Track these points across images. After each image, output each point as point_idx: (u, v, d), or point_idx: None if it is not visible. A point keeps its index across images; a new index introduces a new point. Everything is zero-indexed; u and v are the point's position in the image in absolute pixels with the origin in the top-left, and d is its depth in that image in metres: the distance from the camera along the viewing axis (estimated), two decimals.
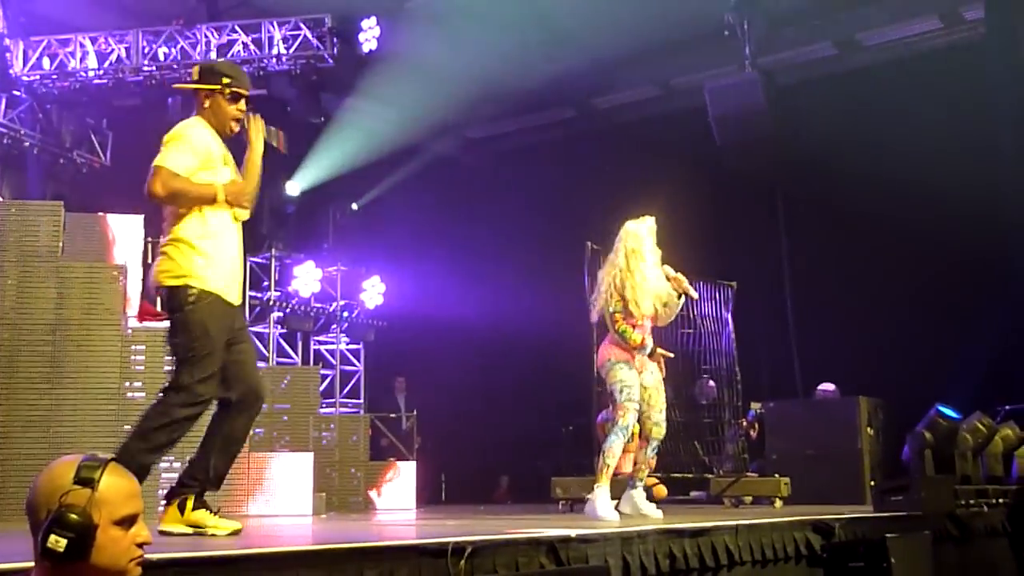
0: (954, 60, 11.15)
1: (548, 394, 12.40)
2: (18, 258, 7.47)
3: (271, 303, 12.14)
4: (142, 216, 8.87)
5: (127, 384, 7.50)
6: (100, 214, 8.69)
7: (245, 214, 4.36)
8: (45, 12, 11.04)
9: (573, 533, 3.59)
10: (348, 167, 12.35)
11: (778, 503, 8.01)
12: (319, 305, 12.47)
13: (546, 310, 11.90)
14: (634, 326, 5.87)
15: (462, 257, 13.83)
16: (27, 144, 10.77)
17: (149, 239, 9.36)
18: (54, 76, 10.88)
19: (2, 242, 7.47)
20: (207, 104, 4.32)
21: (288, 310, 12.10)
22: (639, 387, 5.85)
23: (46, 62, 10.87)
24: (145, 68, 10.93)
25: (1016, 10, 9.75)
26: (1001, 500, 7.02)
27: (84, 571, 1.90)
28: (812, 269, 11.67)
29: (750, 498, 8.29)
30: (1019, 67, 9.60)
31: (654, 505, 6.02)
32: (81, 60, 10.92)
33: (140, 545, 1.98)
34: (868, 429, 8.99)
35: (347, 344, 12.96)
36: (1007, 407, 8.43)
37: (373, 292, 13.23)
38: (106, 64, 10.95)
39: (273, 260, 12.24)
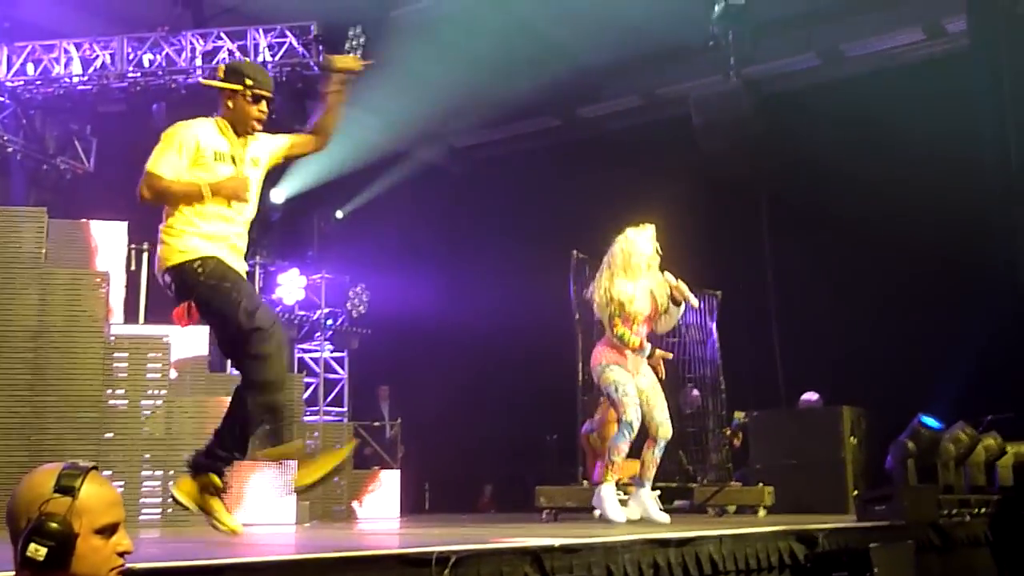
0: (937, 71, 11.23)
1: (533, 403, 12.38)
2: (0, 264, 7.42)
3: None
4: (126, 223, 8.84)
5: (109, 391, 7.46)
6: (83, 220, 8.65)
7: (244, 207, 4.40)
8: (29, 18, 10.99)
9: (557, 542, 3.58)
10: (333, 175, 12.33)
11: (762, 512, 8.02)
12: (303, 313, 12.44)
13: (531, 319, 11.90)
14: (631, 329, 5.90)
15: (447, 265, 13.82)
16: (10, 150, 10.71)
17: (133, 246, 9.33)
18: (38, 82, 10.83)
19: None
20: (230, 104, 4.39)
21: None
22: (633, 385, 5.89)
23: (30, 68, 10.83)
24: (130, 75, 10.89)
25: (999, 23, 9.81)
26: (983, 510, 7.05)
27: None
28: (796, 278, 11.70)
29: (734, 507, 8.30)
30: (1001, 79, 9.66)
31: (659, 508, 6.06)
32: (65, 66, 10.87)
33: (121, 554, 1.97)
34: (851, 438, 9.02)
35: (331, 352, 12.93)
36: (989, 417, 8.46)
37: (358, 300, 13.20)
38: (90, 70, 10.90)
39: (257, 268, 12.20)
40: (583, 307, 8.54)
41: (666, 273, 6.13)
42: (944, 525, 6.34)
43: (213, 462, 4.22)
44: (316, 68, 11.00)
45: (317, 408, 12.31)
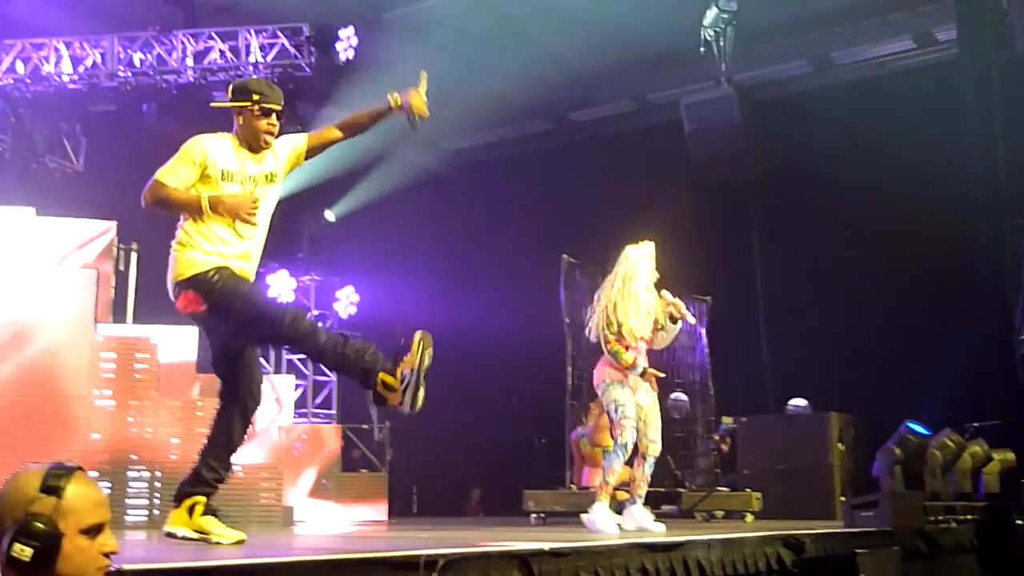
0: (927, 80, 11.29)
1: (521, 407, 12.38)
2: None
3: None
4: (114, 223, 8.82)
5: (97, 392, 7.43)
6: (72, 219, 8.62)
7: (252, 230, 4.38)
8: (19, 16, 10.95)
9: (546, 547, 3.58)
10: (323, 177, 12.31)
11: (749, 518, 8.03)
12: None
13: (521, 323, 11.91)
14: (627, 347, 5.95)
15: (436, 268, 13.82)
16: None
17: (122, 246, 9.31)
18: (28, 80, 10.79)
19: None
20: (240, 121, 4.45)
21: None
22: (633, 405, 5.96)
23: (20, 66, 10.78)
24: (120, 74, 10.85)
25: (987, 32, 9.86)
26: (969, 517, 7.06)
27: None
28: (785, 285, 11.74)
29: (722, 512, 8.31)
30: (990, 88, 9.71)
31: (653, 519, 6.11)
32: (56, 65, 10.82)
33: (107, 555, 1.96)
34: (839, 445, 9.05)
35: None
36: (975, 424, 8.49)
37: (346, 302, 13.19)
38: (81, 69, 10.86)
39: None
40: (572, 311, 8.56)
41: (663, 291, 6.20)
42: (930, 532, 6.35)
43: (197, 487, 4.27)
44: (308, 69, 10.99)
45: (306, 410, 12.28)
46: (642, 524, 5.94)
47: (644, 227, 6.81)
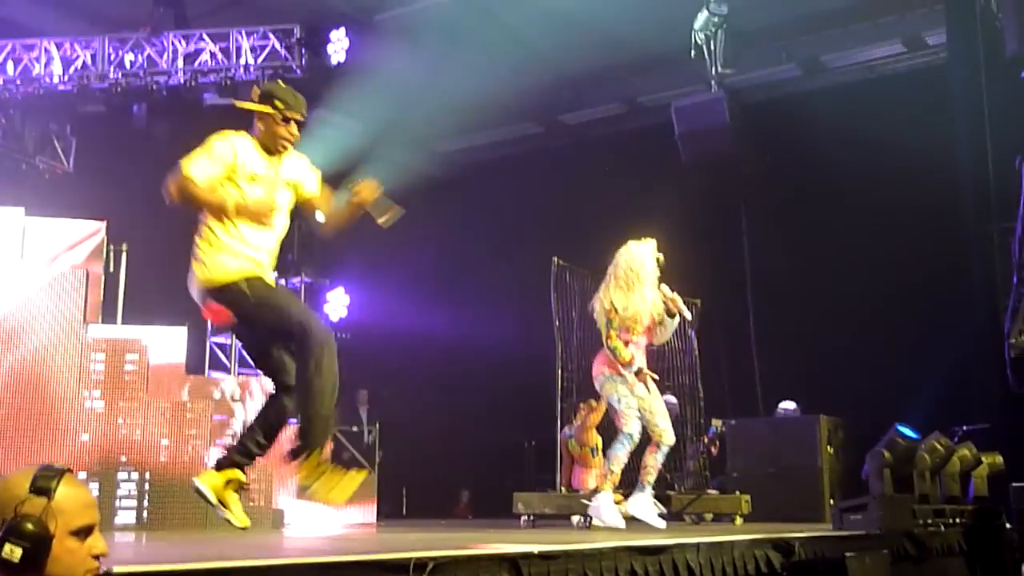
0: (917, 83, 11.33)
1: (511, 409, 12.38)
2: None
3: None
4: (104, 223, 8.80)
5: (87, 393, 7.41)
6: (62, 220, 8.60)
7: (274, 226, 4.47)
8: (9, 16, 10.91)
9: (535, 549, 3.59)
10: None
11: (738, 520, 8.04)
12: None
13: (511, 324, 11.92)
14: (627, 342, 5.99)
15: (427, 270, 13.81)
16: None
17: (112, 246, 9.28)
18: (18, 81, 10.76)
19: None
20: (261, 125, 4.50)
21: None
22: (635, 397, 6.02)
23: (10, 67, 10.75)
24: (110, 75, 10.83)
25: (977, 36, 9.89)
26: (958, 520, 7.08)
27: None
28: (775, 287, 11.76)
29: (711, 515, 8.32)
30: (980, 92, 9.74)
31: (657, 513, 6.19)
32: (46, 65, 10.80)
33: (96, 557, 1.96)
34: (828, 447, 9.07)
35: None
36: (964, 427, 8.52)
37: (337, 304, 13.16)
38: (71, 70, 10.84)
39: None
40: (563, 313, 8.57)
41: (662, 285, 6.24)
42: (919, 535, 6.37)
43: (241, 457, 4.31)
44: (299, 71, 10.98)
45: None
46: (646, 514, 5.98)
47: (634, 229, 6.83)
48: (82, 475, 7.08)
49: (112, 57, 10.85)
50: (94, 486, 7.10)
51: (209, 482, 4.27)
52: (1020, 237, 8.65)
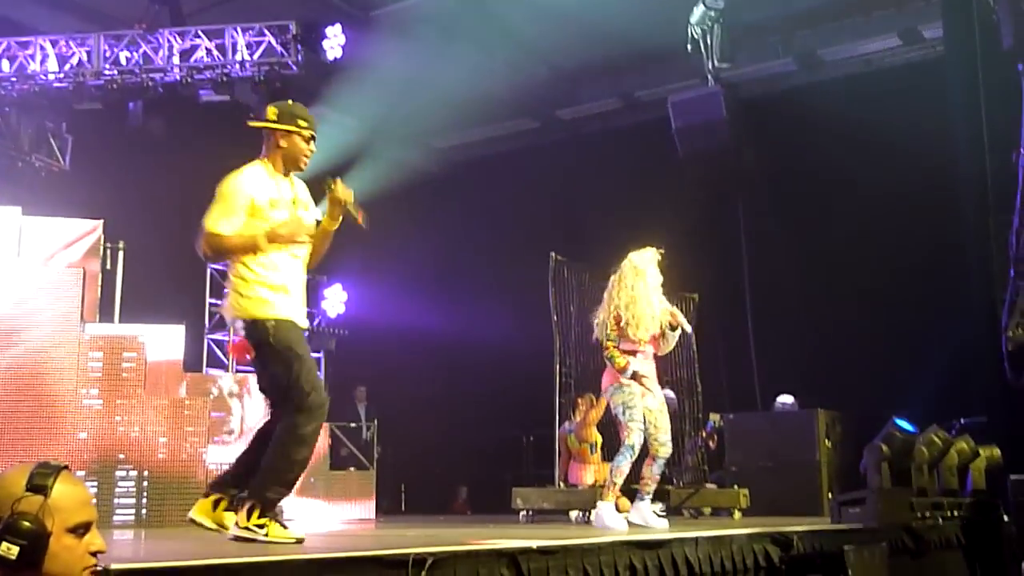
0: (913, 77, 11.32)
1: (509, 405, 12.39)
2: None
3: None
4: (101, 221, 8.79)
5: (84, 391, 7.40)
6: (58, 218, 8.58)
7: (303, 249, 4.55)
8: (5, 14, 10.89)
9: (534, 544, 3.59)
10: (310, 176, 12.28)
11: (737, 514, 8.06)
12: None
13: (509, 320, 11.92)
14: (635, 352, 6.15)
15: (424, 266, 13.81)
16: None
17: (108, 244, 9.27)
18: (13, 79, 10.73)
19: None
20: (283, 144, 4.51)
21: None
22: (641, 409, 6.11)
23: (5, 64, 10.73)
24: (106, 72, 10.80)
25: (974, 29, 9.89)
26: (956, 513, 7.09)
27: None
28: (772, 281, 11.76)
29: (709, 509, 8.34)
30: (976, 85, 9.74)
31: (660, 517, 6.26)
32: (41, 63, 10.77)
33: (94, 554, 1.95)
34: (826, 441, 9.08)
35: None
36: (962, 421, 8.53)
37: (335, 300, 13.15)
38: (67, 67, 10.81)
39: None
40: (560, 308, 8.57)
41: (663, 300, 6.32)
42: (917, 528, 6.38)
43: (221, 487, 4.42)
44: (295, 67, 10.95)
45: None
46: (648, 520, 6.04)
47: (631, 224, 6.84)
48: (80, 473, 7.07)
49: (108, 54, 10.82)
50: (92, 484, 7.09)
51: (202, 513, 4.36)
52: (1017, 230, 8.66)
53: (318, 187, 4.73)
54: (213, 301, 11.99)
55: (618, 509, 6.30)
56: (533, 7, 11.17)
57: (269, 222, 4.36)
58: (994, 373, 8.96)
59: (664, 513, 7.13)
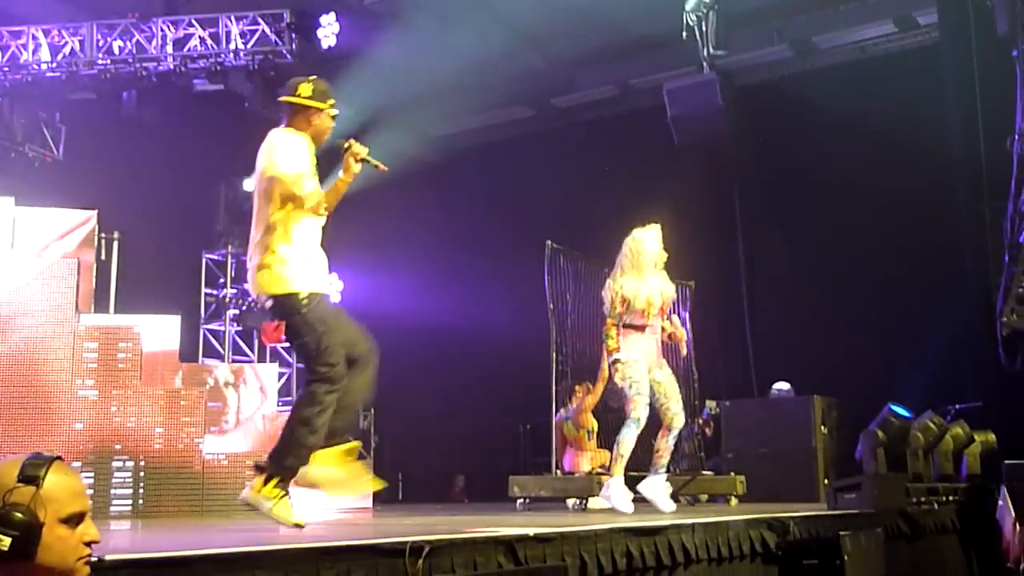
0: (908, 63, 11.31)
1: (506, 393, 12.38)
2: None
3: (227, 300, 12.03)
4: (95, 211, 8.76)
5: (79, 382, 7.39)
6: (52, 209, 8.56)
7: (323, 220, 4.70)
8: None
9: (531, 532, 3.59)
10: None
11: (733, 501, 8.07)
12: None
13: (505, 308, 11.91)
14: (644, 326, 6.20)
15: (420, 254, 13.79)
16: None
17: (103, 235, 9.25)
18: (6, 68, 10.69)
19: None
20: (314, 121, 4.68)
21: (244, 307, 12.00)
22: (647, 382, 6.12)
23: None
24: (99, 62, 10.76)
25: (968, 16, 9.88)
26: (951, 498, 7.12)
27: (31, 571, 1.86)
28: (768, 269, 11.77)
29: (706, 496, 8.35)
30: (971, 72, 9.74)
31: (668, 497, 6.27)
32: (34, 53, 10.73)
33: (88, 544, 1.95)
34: (822, 428, 9.09)
35: None
36: (957, 406, 8.56)
37: (331, 290, 13.13)
38: (59, 57, 10.76)
39: (229, 257, 12.12)
40: (556, 297, 8.57)
41: (674, 316, 6.38)
42: (913, 513, 6.41)
43: (280, 469, 4.46)
44: (289, 56, 10.91)
45: (290, 398, 12.25)
46: (657, 499, 6.08)
47: (627, 212, 6.85)
48: (76, 464, 7.07)
49: (101, 44, 10.77)
50: (88, 475, 7.09)
51: (254, 491, 4.45)
52: (1012, 216, 8.67)
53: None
54: (208, 291, 11.98)
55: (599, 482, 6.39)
56: None
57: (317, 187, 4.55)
58: (989, 359, 8.98)
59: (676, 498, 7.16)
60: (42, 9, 11.06)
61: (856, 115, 10.79)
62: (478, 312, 12.61)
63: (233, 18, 10.92)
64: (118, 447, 7.41)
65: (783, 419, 9.26)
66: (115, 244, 9.54)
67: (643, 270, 6.29)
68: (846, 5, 11.71)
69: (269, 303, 4.49)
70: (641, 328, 6.23)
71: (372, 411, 12.00)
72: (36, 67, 10.75)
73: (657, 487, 6.17)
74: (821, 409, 9.14)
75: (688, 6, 10.84)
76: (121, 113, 11.04)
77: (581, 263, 8.80)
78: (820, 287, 11.21)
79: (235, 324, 12.11)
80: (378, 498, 10.69)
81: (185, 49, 10.79)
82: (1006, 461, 7.20)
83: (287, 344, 4.70)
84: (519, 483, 8.30)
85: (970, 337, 9.52)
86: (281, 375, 11.90)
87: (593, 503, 7.75)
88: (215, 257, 12.12)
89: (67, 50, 10.78)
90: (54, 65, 10.77)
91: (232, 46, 10.85)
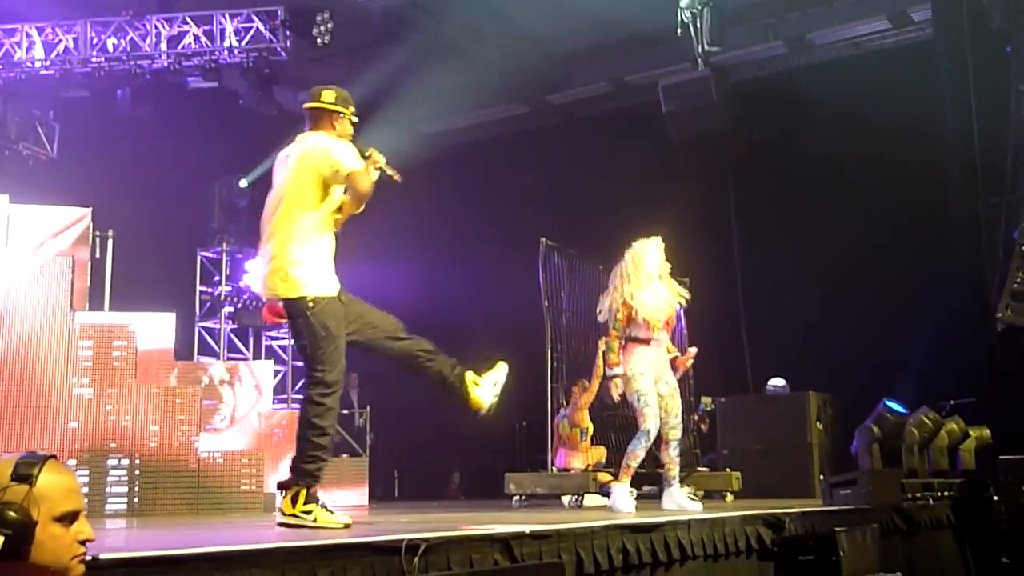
0: (902, 59, 11.33)
1: (502, 390, 12.36)
2: None
3: (222, 298, 12.02)
4: (90, 209, 8.75)
5: (74, 380, 7.38)
6: (47, 207, 8.54)
7: (337, 228, 4.92)
8: None
9: (527, 529, 3.59)
10: None
11: (729, 497, 8.09)
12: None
13: (500, 306, 11.90)
14: (649, 339, 6.26)
15: (415, 252, 13.77)
16: None
17: (97, 232, 9.23)
18: (0, 66, 10.66)
19: None
20: (337, 126, 4.90)
21: (239, 305, 11.98)
22: (655, 395, 6.19)
23: None
24: (93, 59, 10.72)
25: (963, 12, 9.89)
26: (946, 493, 7.14)
27: (25, 570, 1.86)
28: (763, 264, 11.77)
29: (702, 492, 8.35)
30: (965, 68, 9.75)
31: (693, 499, 6.36)
32: (27, 50, 10.69)
33: (82, 542, 1.95)
34: (817, 424, 9.10)
35: None
36: (952, 402, 8.56)
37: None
38: (53, 55, 10.72)
39: (224, 255, 12.11)
40: (551, 294, 8.57)
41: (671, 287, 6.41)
42: (908, 508, 6.42)
43: (301, 478, 4.52)
44: (283, 54, 10.89)
45: (286, 396, 12.25)
46: (683, 505, 6.14)
47: (622, 209, 6.86)
48: (72, 462, 7.06)
49: (95, 41, 10.73)
50: (84, 473, 7.08)
51: (286, 511, 4.49)
52: (1007, 212, 8.69)
53: None
54: (203, 289, 11.96)
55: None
56: None
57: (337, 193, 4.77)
58: (984, 354, 9.00)
59: (655, 489, 7.19)
60: (36, 7, 11.02)
61: (851, 111, 10.80)
62: (472, 309, 12.60)
63: (227, 15, 10.89)
64: (113, 445, 7.41)
65: (778, 415, 9.27)
66: (109, 242, 9.52)
67: (644, 282, 6.32)
68: (840, 1, 11.72)
69: (283, 304, 4.67)
70: (646, 341, 6.28)
71: (368, 408, 11.99)
72: (30, 65, 10.71)
73: (677, 497, 6.22)
74: (816, 405, 9.15)
75: (683, 2, 10.83)
76: (115, 111, 11.01)
77: (576, 260, 8.81)
78: (815, 283, 11.22)
79: (230, 322, 12.09)
80: (374, 496, 10.71)
81: (179, 47, 10.76)
82: (1001, 456, 7.22)
83: (294, 337, 4.82)
84: (515, 480, 8.31)
85: (966, 333, 9.53)
86: (276, 372, 11.89)
87: (589, 500, 7.77)
88: (210, 255, 12.10)
89: (61, 48, 10.74)
90: (48, 63, 10.73)
91: (226, 44, 10.81)
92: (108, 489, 7.30)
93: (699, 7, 10.75)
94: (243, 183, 12.32)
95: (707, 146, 11.34)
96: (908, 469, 7.48)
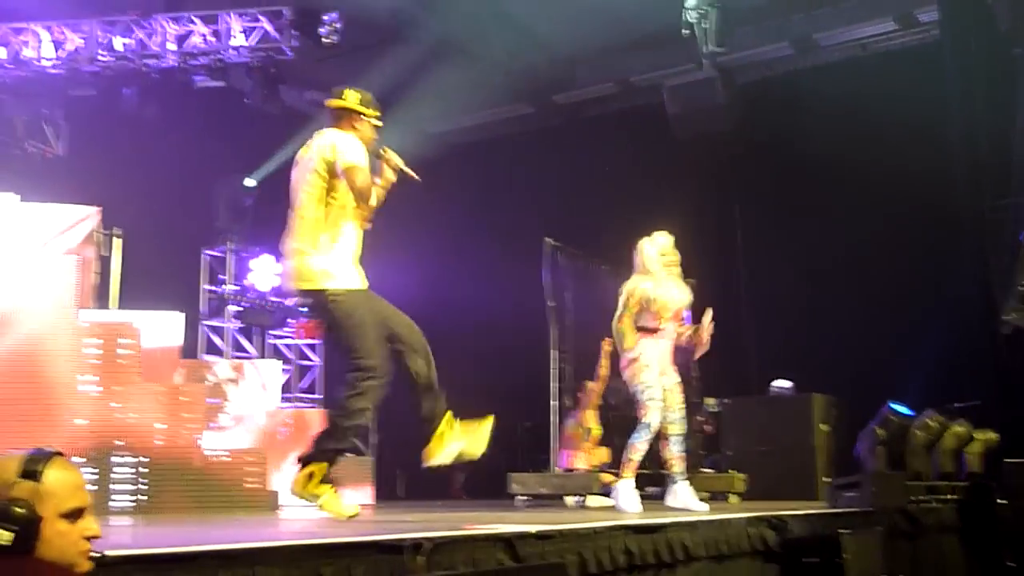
0: (908, 60, 11.31)
1: (505, 390, 12.35)
2: None
3: (228, 297, 12.04)
4: (97, 208, 8.77)
5: (80, 377, 7.39)
6: (54, 205, 8.56)
7: (365, 225, 5.02)
8: None
9: (532, 529, 3.59)
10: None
11: (733, 499, 8.09)
12: (276, 299, 12.38)
13: (504, 306, 11.90)
14: (656, 329, 6.29)
15: (420, 251, 13.77)
16: None
17: (104, 231, 9.25)
18: (8, 65, 10.69)
19: None
20: (358, 127, 5.00)
21: (246, 304, 12.00)
22: (659, 387, 6.22)
23: (0, 51, 10.68)
24: (101, 58, 10.75)
25: (969, 13, 9.88)
26: (952, 496, 7.13)
27: (32, 566, 1.87)
28: (768, 266, 11.76)
29: (706, 494, 8.34)
30: (971, 69, 9.74)
31: (698, 499, 6.35)
32: (36, 49, 10.72)
33: (89, 539, 1.96)
34: (822, 426, 9.09)
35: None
36: (957, 404, 8.55)
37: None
38: (61, 54, 10.76)
39: (230, 254, 12.13)
40: (556, 294, 8.59)
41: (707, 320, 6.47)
42: (913, 511, 6.41)
43: (320, 454, 4.68)
44: (290, 53, 10.91)
45: (291, 394, 12.27)
46: (688, 504, 6.12)
47: (627, 209, 6.86)
48: (78, 460, 7.06)
49: (102, 40, 10.76)
50: (90, 471, 7.09)
51: (299, 487, 4.65)
52: (1013, 213, 8.68)
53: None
54: (209, 287, 11.99)
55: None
56: None
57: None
58: (990, 357, 8.98)
59: (658, 490, 7.19)
60: (44, 6, 11.05)
61: (856, 113, 10.79)
62: (476, 310, 12.60)
63: (234, 15, 10.92)
64: (119, 443, 7.41)
65: (783, 417, 9.26)
66: (116, 240, 9.54)
67: (655, 274, 6.33)
68: (847, 2, 11.72)
69: (304, 299, 4.75)
70: (654, 331, 6.28)
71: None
72: (38, 63, 10.74)
73: (683, 494, 6.21)
74: (821, 407, 9.14)
75: (689, 3, 10.84)
76: (122, 109, 11.04)
77: (580, 261, 8.81)
78: (820, 284, 11.20)
79: (236, 321, 12.11)
80: (379, 495, 10.73)
81: (186, 46, 10.79)
82: (1006, 460, 7.21)
83: (329, 338, 5.02)
84: (519, 480, 8.32)
85: (971, 335, 9.51)
86: (282, 371, 11.92)
87: (592, 500, 7.77)
88: (216, 254, 12.13)
89: (69, 47, 10.77)
90: (56, 61, 10.76)
91: (233, 43, 10.84)
92: (113, 486, 7.31)
93: (705, 8, 10.76)
94: (249, 182, 12.34)
95: (712, 147, 11.35)
96: (913, 472, 7.48)
